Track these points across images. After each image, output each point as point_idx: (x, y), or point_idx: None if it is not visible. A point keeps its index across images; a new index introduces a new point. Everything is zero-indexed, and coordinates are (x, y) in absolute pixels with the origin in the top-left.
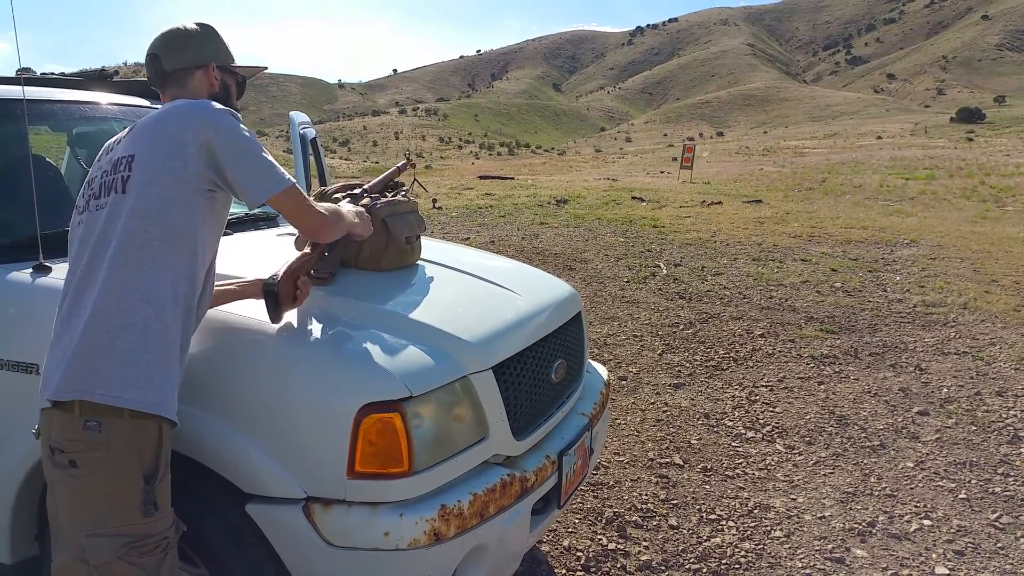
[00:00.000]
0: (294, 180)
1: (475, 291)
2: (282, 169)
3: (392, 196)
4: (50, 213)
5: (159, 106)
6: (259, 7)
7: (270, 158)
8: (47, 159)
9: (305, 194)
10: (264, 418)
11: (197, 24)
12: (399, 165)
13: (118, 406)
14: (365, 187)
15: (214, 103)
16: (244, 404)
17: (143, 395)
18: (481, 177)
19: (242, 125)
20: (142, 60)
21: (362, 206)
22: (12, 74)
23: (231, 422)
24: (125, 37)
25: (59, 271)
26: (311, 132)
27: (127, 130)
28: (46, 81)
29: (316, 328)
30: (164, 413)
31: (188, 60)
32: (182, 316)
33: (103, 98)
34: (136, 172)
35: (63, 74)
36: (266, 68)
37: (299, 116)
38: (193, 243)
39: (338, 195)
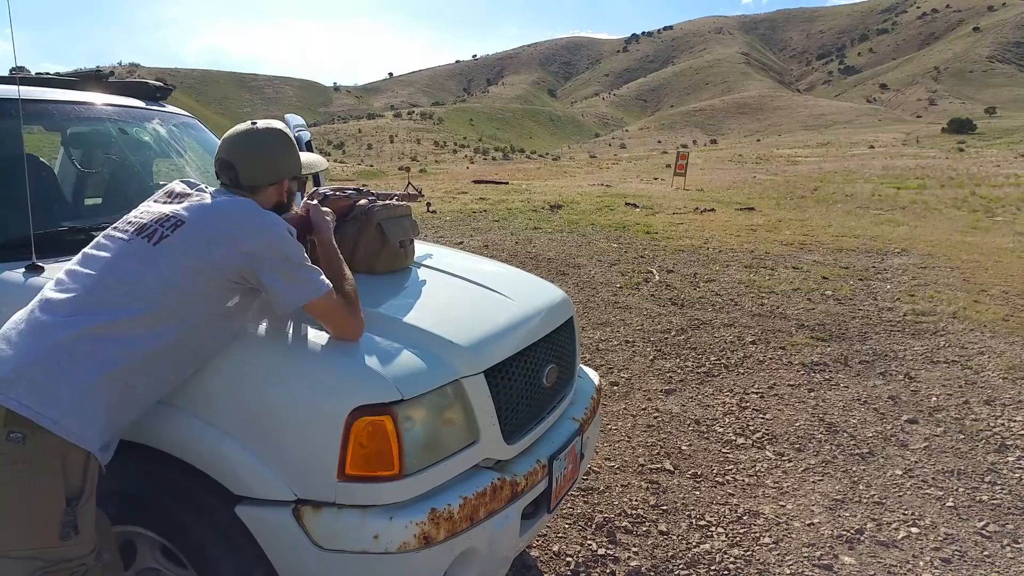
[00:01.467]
0: (330, 286)
1: (467, 295)
2: (321, 275)
3: (387, 200)
4: (43, 213)
5: (154, 107)
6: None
7: (309, 265)
8: (40, 159)
9: (337, 298)
10: (254, 420)
11: (273, 133)
12: (411, 193)
13: (47, 428)
14: (373, 192)
15: (273, 215)
16: (234, 405)
17: (79, 426)
18: (475, 181)
19: (291, 237)
20: (137, 60)
21: (359, 207)
22: (6, 73)
23: (221, 424)
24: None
25: (52, 271)
26: (306, 135)
27: (182, 190)
28: (41, 81)
29: (308, 330)
30: (90, 448)
31: (265, 179)
32: (151, 375)
33: (98, 98)
34: (176, 237)
35: (58, 74)
36: (326, 167)
37: (294, 119)
38: (190, 319)
39: (334, 192)
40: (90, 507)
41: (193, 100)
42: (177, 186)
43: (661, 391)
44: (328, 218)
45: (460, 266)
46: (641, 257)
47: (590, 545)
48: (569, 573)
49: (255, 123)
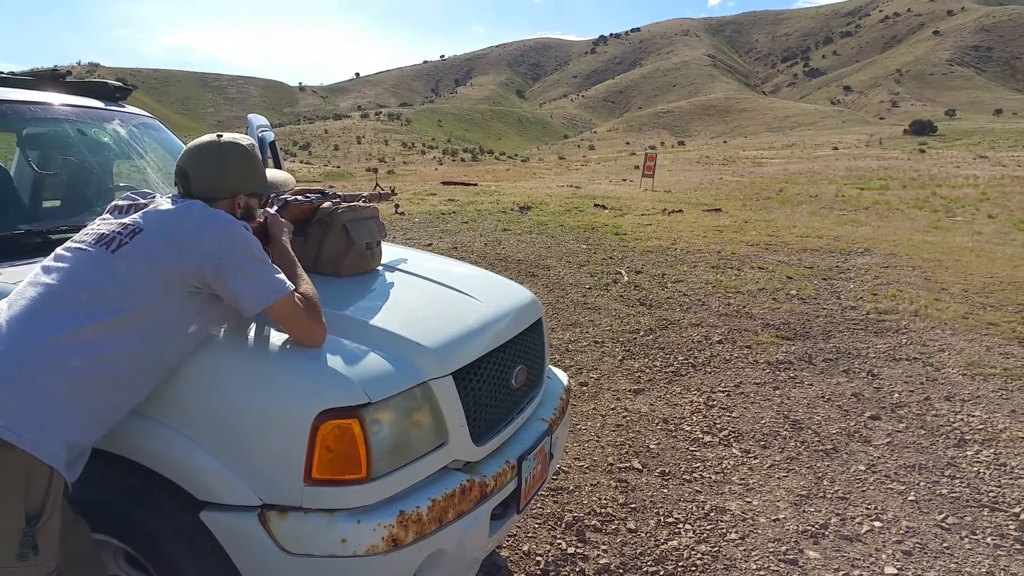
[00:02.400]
0: (293, 286)
1: (435, 297)
2: (282, 276)
3: (353, 202)
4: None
5: (114, 108)
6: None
7: (271, 265)
8: None
9: (300, 302)
10: (219, 424)
11: (233, 148)
12: (382, 192)
13: (10, 442)
14: (340, 195)
15: (229, 216)
16: (199, 410)
17: (43, 440)
18: (444, 183)
19: (250, 235)
20: (96, 59)
21: (323, 209)
22: None
23: (185, 428)
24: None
25: (7, 275)
26: (270, 135)
27: (132, 202)
28: None
29: (273, 334)
30: (55, 464)
31: (217, 192)
32: (117, 386)
33: (55, 98)
34: (135, 243)
35: (12, 73)
36: (294, 186)
37: (258, 119)
38: (153, 325)
39: (295, 198)
40: (52, 526)
41: (155, 101)
42: (124, 200)
43: (630, 391)
44: (286, 228)
45: (428, 268)
46: (610, 258)
47: (560, 544)
48: (539, 572)
49: (220, 135)
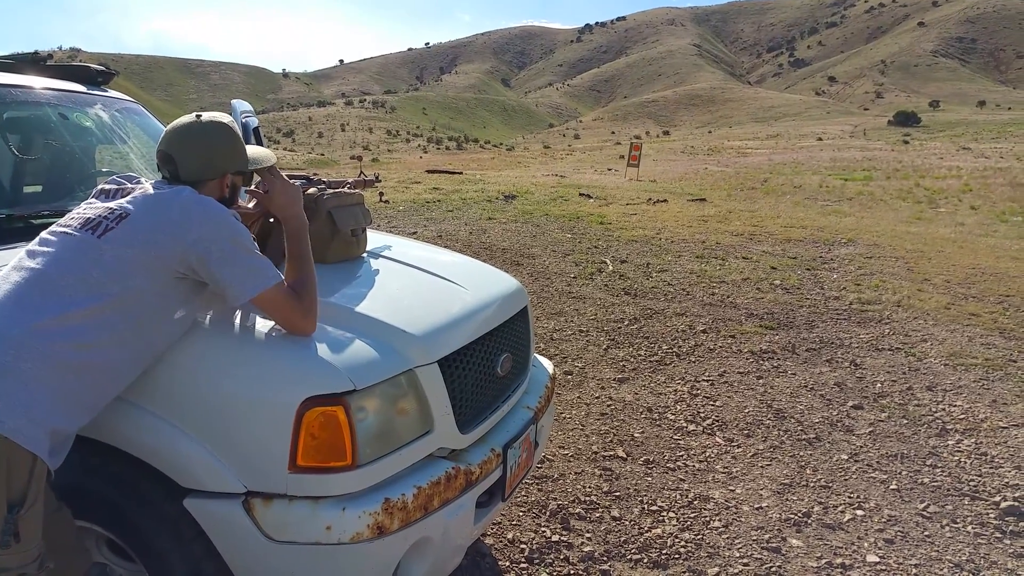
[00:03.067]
0: (281, 276)
1: (421, 285)
2: (271, 265)
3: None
4: None
5: (96, 92)
6: None
7: (259, 254)
8: None
9: (291, 292)
10: (203, 411)
11: (216, 127)
12: (367, 179)
13: None
14: (325, 181)
15: (218, 203)
16: (184, 397)
17: (27, 426)
18: (429, 171)
19: (239, 224)
20: (78, 44)
21: (308, 195)
22: None
23: (169, 415)
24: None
25: None
26: (254, 121)
27: (119, 186)
28: None
29: (258, 320)
30: (38, 451)
31: (206, 174)
32: (102, 372)
33: (36, 82)
34: (121, 228)
35: None
36: (274, 162)
37: (241, 104)
38: (139, 311)
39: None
40: (35, 513)
41: (137, 87)
42: (110, 184)
43: (614, 380)
44: (294, 195)
45: (414, 256)
46: (595, 247)
47: (544, 532)
48: (523, 560)
49: (199, 115)
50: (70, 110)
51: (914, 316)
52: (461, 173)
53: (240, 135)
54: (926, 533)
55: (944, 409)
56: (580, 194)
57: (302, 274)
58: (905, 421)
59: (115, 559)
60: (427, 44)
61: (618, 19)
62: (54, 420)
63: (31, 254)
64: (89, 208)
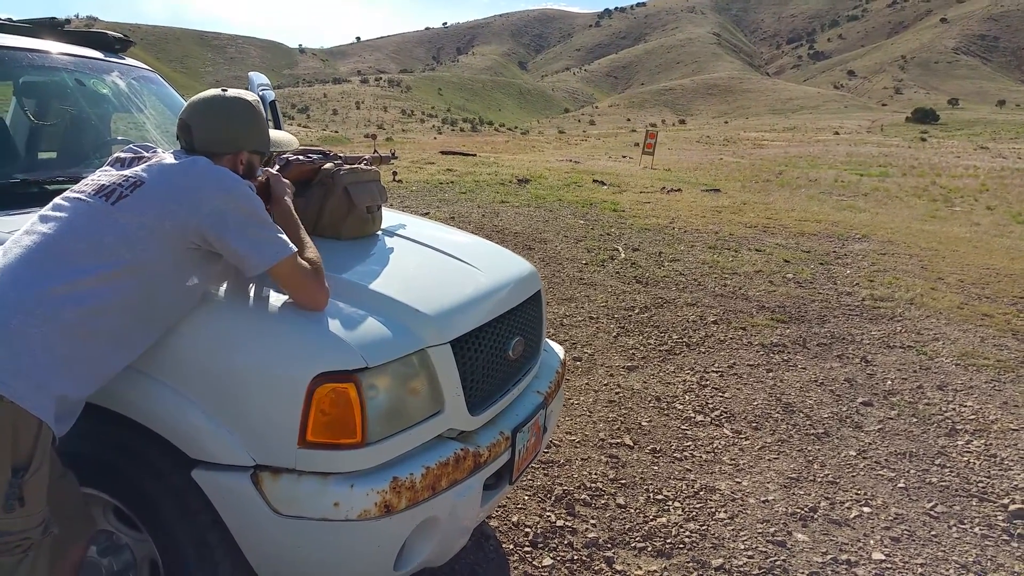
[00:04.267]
0: (295, 248)
1: (435, 264)
2: (284, 238)
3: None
4: None
5: (113, 60)
6: None
7: (274, 225)
8: None
9: (302, 264)
10: (215, 384)
11: (238, 103)
12: (383, 155)
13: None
14: (340, 156)
15: (234, 174)
16: (194, 369)
17: (32, 391)
18: (443, 152)
19: (254, 194)
20: (94, 13)
21: (324, 170)
22: None
23: (180, 387)
24: None
25: (2, 223)
26: (270, 95)
27: (135, 154)
28: None
29: (272, 295)
30: (44, 416)
31: (221, 147)
32: (112, 340)
33: (53, 47)
34: (135, 196)
35: (10, 19)
36: (296, 146)
37: (258, 77)
38: (151, 280)
39: (296, 157)
40: (40, 479)
41: (153, 58)
42: (126, 152)
43: (623, 367)
44: (288, 189)
45: (429, 235)
46: (607, 234)
47: (549, 517)
48: (528, 544)
49: (225, 90)
50: (87, 76)
51: (927, 314)
52: (475, 155)
53: (263, 115)
54: (933, 533)
55: (954, 409)
56: (594, 180)
57: (308, 257)
58: (915, 419)
59: (121, 527)
60: (445, 24)
61: (638, 4)
62: (61, 386)
63: (43, 219)
64: (104, 175)
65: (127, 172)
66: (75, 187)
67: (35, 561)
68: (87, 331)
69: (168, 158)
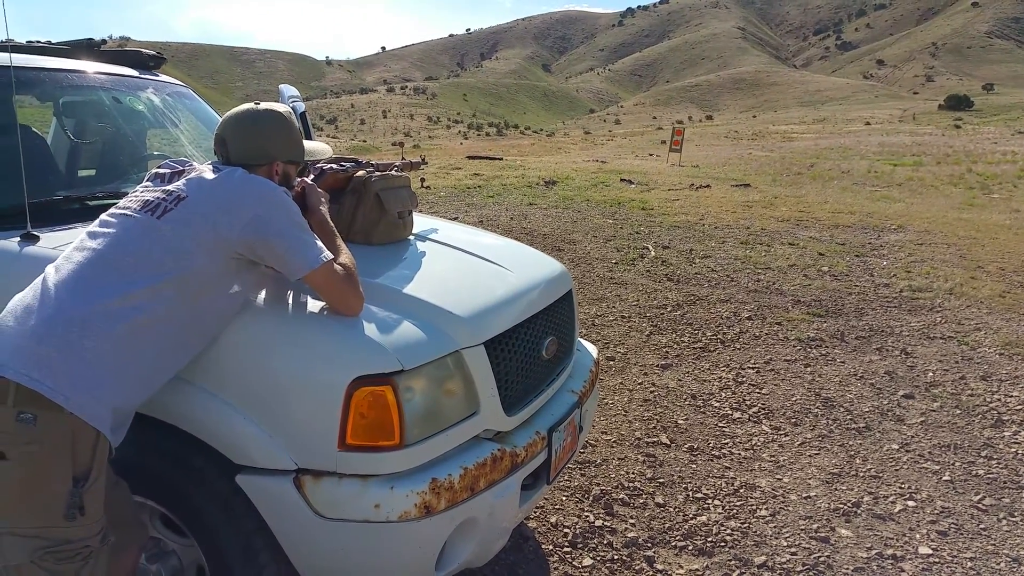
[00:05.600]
0: (331, 256)
1: (467, 267)
2: (321, 245)
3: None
4: (38, 182)
5: (148, 76)
6: None
7: (312, 232)
8: (34, 129)
9: (338, 271)
10: (255, 390)
11: (271, 115)
12: (413, 161)
13: (59, 404)
14: (374, 163)
15: (270, 182)
16: (236, 375)
17: (91, 403)
18: (470, 157)
19: (291, 201)
20: (128, 34)
21: (356, 178)
22: None
23: (222, 393)
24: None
25: (47, 240)
26: (301, 106)
27: (173, 169)
28: (32, 49)
29: (308, 301)
30: (101, 427)
31: (255, 159)
32: (161, 350)
33: (90, 67)
34: (180, 210)
35: (49, 43)
36: (330, 155)
37: (289, 89)
38: (197, 290)
39: (330, 166)
40: (98, 488)
41: (184, 74)
42: (164, 168)
43: (657, 366)
44: (323, 198)
45: (459, 238)
46: (636, 233)
47: (587, 517)
48: (567, 544)
49: (257, 103)
50: (123, 94)
51: (967, 304)
52: (501, 159)
53: (296, 126)
54: (982, 526)
55: (999, 399)
56: (621, 180)
57: (344, 263)
58: (958, 411)
59: (168, 534)
60: (468, 30)
61: (661, 2)
62: (116, 398)
63: (92, 235)
64: (146, 192)
65: (169, 187)
66: (120, 203)
67: (94, 569)
68: (138, 342)
69: (207, 171)
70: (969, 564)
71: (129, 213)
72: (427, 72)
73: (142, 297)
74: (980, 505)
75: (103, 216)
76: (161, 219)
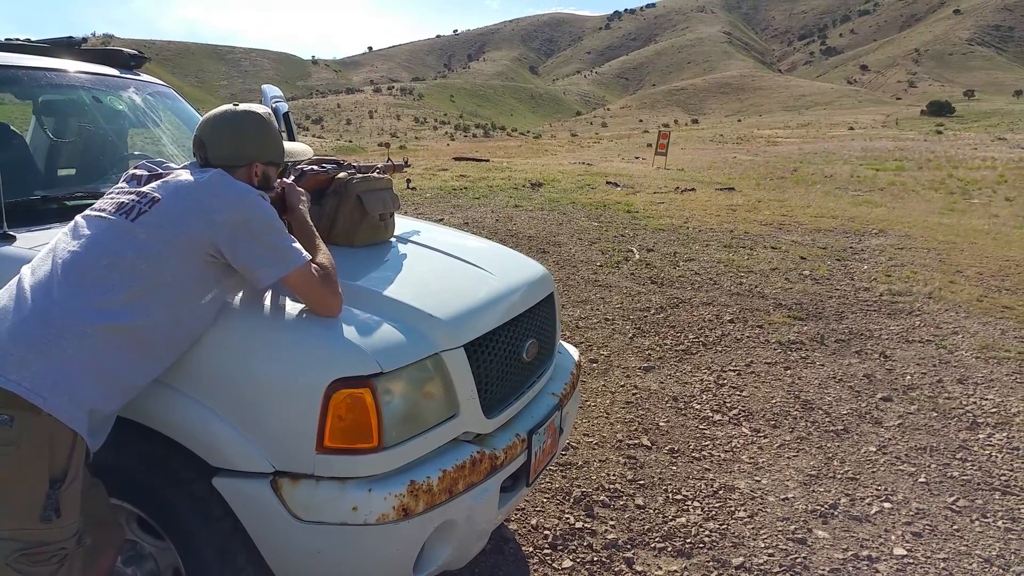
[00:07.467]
0: (309, 256)
1: (448, 269)
2: (298, 246)
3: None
4: (15, 182)
5: (129, 76)
6: None
7: (288, 235)
8: (12, 128)
9: (316, 272)
10: (233, 392)
11: (248, 116)
12: (396, 163)
13: (36, 405)
14: (355, 165)
15: (247, 185)
16: (213, 377)
17: (68, 404)
18: (456, 159)
19: (267, 205)
20: (110, 31)
21: (338, 180)
22: None
23: (199, 395)
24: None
25: (24, 240)
26: (284, 106)
27: (149, 171)
28: (10, 47)
29: (287, 303)
30: (78, 429)
31: (234, 160)
32: (140, 354)
33: (71, 66)
34: (153, 212)
35: (28, 40)
36: (311, 156)
37: (272, 89)
38: (173, 293)
39: (311, 168)
40: (74, 490)
41: (169, 73)
42: (140, 170)
43: (640, 368)
44: (303, 198)
45: (441, 241)
46: (621, 236)
47: (568, 519)
48: (547, 546)
49: (236, 105)
50: (104, 93)
51: (945, 308)
52: (488, 161)
53: (275, 127)
54: (955, 527)
55: (975, 402)
56: (607, 182)
57: (322, 263)
58: (935, 414)
59: (145, 536)
60: (455, 31)
61: (647, 6)
62: (93, 400)
63: (68, 237)
64: (121, 193)
65: (144, 189)
66: (95, 205)
67: (69, 571)
68: (116, 345)
69: (183, 174)
70: (942, 565)
71: (104, 215)
72: (414, 73)
73: (119, 300)
74: (954, 507)
75: (78, 218)
76: (135, 222)
